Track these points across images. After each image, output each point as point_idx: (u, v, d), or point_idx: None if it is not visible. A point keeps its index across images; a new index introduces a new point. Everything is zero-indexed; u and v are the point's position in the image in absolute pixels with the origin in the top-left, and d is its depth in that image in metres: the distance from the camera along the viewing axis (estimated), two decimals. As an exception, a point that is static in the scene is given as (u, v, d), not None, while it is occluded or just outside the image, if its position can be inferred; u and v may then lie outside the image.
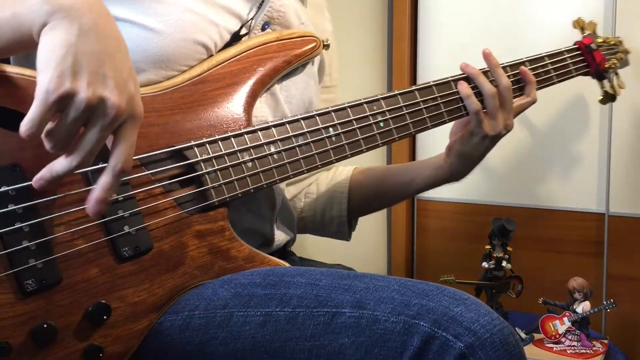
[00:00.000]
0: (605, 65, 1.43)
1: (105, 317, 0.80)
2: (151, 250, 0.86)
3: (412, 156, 1.96)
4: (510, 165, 1.82)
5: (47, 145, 0.71)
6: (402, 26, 1.89)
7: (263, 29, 1.05)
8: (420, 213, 1.95)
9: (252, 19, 1.03)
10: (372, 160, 1.94)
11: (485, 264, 1.63)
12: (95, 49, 0.71)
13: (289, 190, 1.28)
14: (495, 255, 1.63)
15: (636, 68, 1.66)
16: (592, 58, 1.39)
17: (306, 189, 1.30)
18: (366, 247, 1.99)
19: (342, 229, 1.30)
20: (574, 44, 1.39)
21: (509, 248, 1.63)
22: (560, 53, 1.33)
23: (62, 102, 0.69)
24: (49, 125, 0.70)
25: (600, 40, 1.44)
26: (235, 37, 1.02)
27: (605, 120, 1.70)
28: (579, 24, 1.46)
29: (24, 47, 0.75)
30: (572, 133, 1.74)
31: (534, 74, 1.24)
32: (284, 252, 1.18)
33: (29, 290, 0.76)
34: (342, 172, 1.31)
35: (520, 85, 1.22)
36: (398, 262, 1.96)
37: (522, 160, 1.81)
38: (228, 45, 1.01)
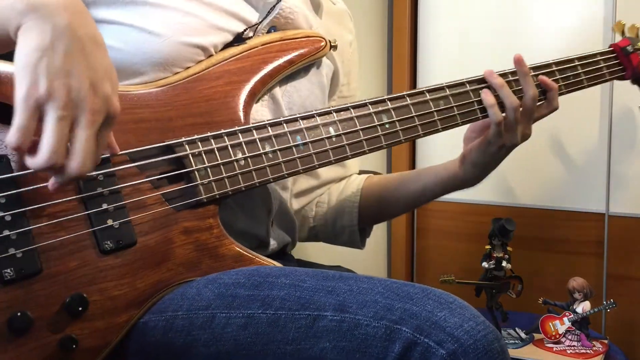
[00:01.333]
0: None
1: (80, 309, 0.80)
2: (135, 245, 0.85)
3: (412, 160, 1.96)
4: (511, 165, 1.81)
5: (43, 160, 0.70)
6: (402, 26, 1.89)
7: (269, 32, 1.03)
8: (420, 213, 1.95)
9: (259, 24, 1.02)
10: (371, 165, 1.94)
11: (485, 264, 1.63)
12: (70, 49, 0.71)
13: (299, 201, 1.26)
14: (495, 255, 1.63)
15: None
16: (629, 61, 1.30)
17: (318, 199, 1.28)
18: (366, 247, 1.98)
19: (354, 238, 1.27)
20: (609, 47, 1.31)
21: (509, 248, 1.63)
22: (593, 55, 1.25)
23: (40, 105, 0.69)
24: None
25: None
26: (238, 39, 1.00)
27: (606, 120, 1.69)
28: (619, 28, 1.38)
29: (4, 47, 0.75)
30: (572, 133, 1.74)
31: (563, 77, 1.19)
32: (280, 254, 1.16)
33: (7, 279, 0.76)
34: (354, 181, 1.28)
35: (542, 89, 1.16)
36: (398, 262, 1.96)
37: (523, 161, 1.80)
38: (229, 45, 1.00)
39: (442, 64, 1.85)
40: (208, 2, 0.99)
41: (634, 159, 1.67)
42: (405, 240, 1.95)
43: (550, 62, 1.17)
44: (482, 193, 1.87)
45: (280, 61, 1.00)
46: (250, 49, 0.99)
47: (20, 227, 0.77)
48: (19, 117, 0.69)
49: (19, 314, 0.76)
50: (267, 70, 0.99)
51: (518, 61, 1.11)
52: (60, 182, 0.74)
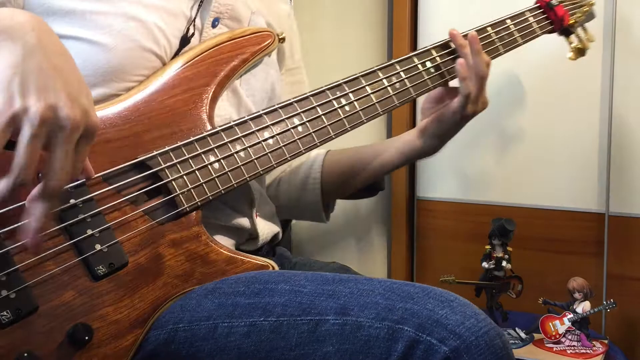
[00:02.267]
0: (570, 21, 1.40)
1: (87, 338, 0.78)
2: (127, 265, 0.84)
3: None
4: (510, 165, 1.82)
5: (14, 178, 0.69)
6: (402, 26, 1.89)
7: (214, 25, 1.03)
8: (420, 213, 1.95)
9: (195, 17, 1.01)
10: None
11: (485, 264, 1.63)
12: (43, 66, 0.71)
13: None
14: (495, 255, 1.63)
15: (637, 63, 1.65)
16: (555, 14, 1.37)
17: (279, 176, 1.29)
18: (366, 247, 1.99)
19: (319, 214, 1.29)
20: (535, 3, 1.37)
21: (509, 248, 1.63)
22: (522, 14, 1.31)
23: (14, 122, 0.68)
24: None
25: None
26: (184, 40, 1.00)
27: (605, 120, 1.69)
28: None
29: None
30: (572, 133, 1.73)
31: (499, 37, 1.24)
32: (273, 247, 1.17)
33: (5, 322, 0.74)
34: (315, 157, 1.29)
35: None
36: (398, 262, 1.96)
37: (522, 160, 1.80)
38: (179, 50, 0.99)
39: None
40: (148, 4, 0.97)
41: (634, 159, 1.67)
42: (405, 240, 1.95)
43: (485, 25, 1.24)
44: (482, 193, 1.87)
45: (235, 62, 1.01)
46: (203, 53, 0.99)
47: (6, 267, 0.75)
48: None
49: (25, 354, 0.74)
50: (224, 72, 1.00)
51: (472, 38, 1.16)
52: (38, 199, 0.71)
